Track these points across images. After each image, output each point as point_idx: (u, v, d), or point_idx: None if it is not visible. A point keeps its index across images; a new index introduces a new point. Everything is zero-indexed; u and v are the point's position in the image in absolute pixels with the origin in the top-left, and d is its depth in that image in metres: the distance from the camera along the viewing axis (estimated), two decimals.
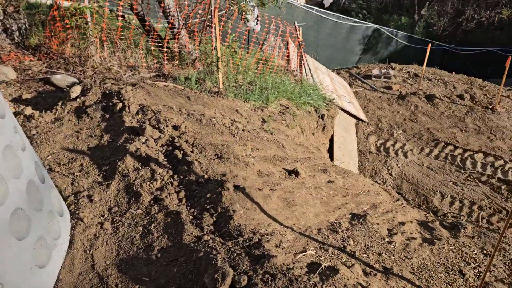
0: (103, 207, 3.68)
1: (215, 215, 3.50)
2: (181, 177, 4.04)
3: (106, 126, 4.96)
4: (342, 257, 3.23)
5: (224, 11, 8.51)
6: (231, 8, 8.12)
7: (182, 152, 4.38)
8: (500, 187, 8.13)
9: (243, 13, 7.91)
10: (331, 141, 8.94)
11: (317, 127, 8.10)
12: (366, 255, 3.41)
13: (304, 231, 3.59)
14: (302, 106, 7.73)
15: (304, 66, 9.49)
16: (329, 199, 4.50)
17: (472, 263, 3.72)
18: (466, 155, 8.99)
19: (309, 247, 3.26)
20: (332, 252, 3.27)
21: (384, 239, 3.76)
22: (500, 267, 3.87)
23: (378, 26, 17.27)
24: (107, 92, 5.59)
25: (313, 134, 7.71)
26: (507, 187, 8.13)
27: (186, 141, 4.63)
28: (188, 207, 3.67)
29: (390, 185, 8.60)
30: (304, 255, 3.09)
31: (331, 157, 8.55)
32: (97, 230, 3.40)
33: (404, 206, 5.56)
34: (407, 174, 8.72)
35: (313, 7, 16.52)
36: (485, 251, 4.13)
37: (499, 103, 10.16)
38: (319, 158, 6.16)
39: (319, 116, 8.21)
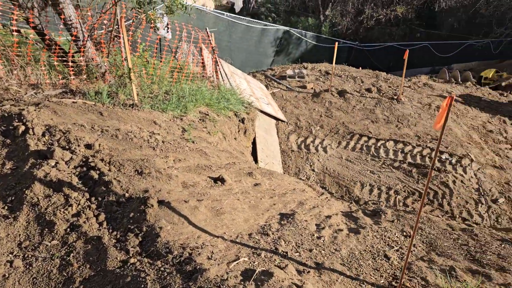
0: (11, 243, 3.30)
1: (140, 235, 3.31)
2: (100, 199, 3.77)
3: (8, 153, 4.48)
4: (275, 260, 3.23)
5: (131, 20, 8.18)
6: (139, 17, 7.84)
7: (98, 172, 4.09)
8: (411, 170, 8.80)
9: (152, 21, 7.67)
10: (254, 143, 9.02)
11: (238, 131, 8.12)
12: (298, 253, 3.45)
13: (235, 239, 3.54)
14: (222, 112, 7.70)
15: (220, 72, 9.48)
16: (257, 202, 4.50)
17: (395, 246, 3.94)
18: (379, 144, 9.60)
19: (241, 254, 3.21)
20: (265, 256, 3.26)
21: (313, 235, 3.85)
22: (419, 246, 4.15)
23: (287, 28, 17.87)
24: (6, 114, 5.06)
25: (235, 138, 7.71)
26: (417, 170, 8.82)
27: (102, 160, 4.34)
28: (110, 230, 3.43)
29: (314, 180, 8.89)
30: (237, 263, 3.03)
31: (256, 159, 8.63)
32: (6, 270, 3.03)
33: (328, 200, 5.76)
34: (329, 168, 9.08)
35: (224, 12, 16.62)
36: (404, 233, 4.41)
37: (403, 93, 11.02)
38: (244, 162, 6.16)
39: (239, 120, 8.24)
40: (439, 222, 5.13)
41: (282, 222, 4.06)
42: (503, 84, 14.74)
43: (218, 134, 6.86)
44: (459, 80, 14.53)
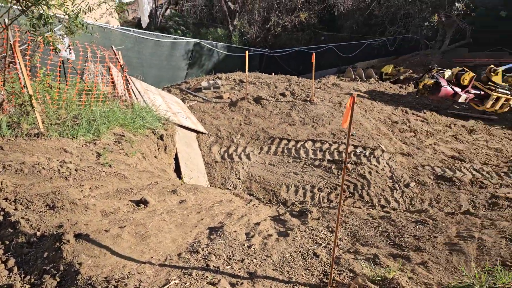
0: None
1: (58, 275, 3.05)
2: (7, 242, 3.41)
3: None
4: (207, 277, 3.16)
5: (27, 44, 7.58)
6: (35, 39, 7.29)
7: (2, 212, 3.70)
8: (331, 167, 9.21)
9: (51, 43, 7.17)
10: (176, 159, 8.83)
11: (158, 149, 7.89)
12: (230, 266, 3.41)
13: (164, 261, 3.40)
14: (138, 131, 7.43)
15: (132, 90, 9.16)
16: (184, 220, 4.39)
17: (322, 243, 4.07)
18: (298, 145, 9.93)
19: (172, 277, 3.10)
20: (196, 275, 3.18)
21: (243, 245, 3.84)
22: (345, 239, 4.33)
23: (198, 40, 17.85)
24: None
25: (155, 157, 7.48)
26: (336, 166, 9.26)
27: (6, 199, 3.94)
28: (23, 275, 3.11)
29: (241, 188, 8.92)
30: (167, 287, 2.92)
31: (180, 175, 8.44)
32: None
33: (256, 206, 5.81)
34: (254, 174, 9.18)
35: (130, 28, 16.13)
36: (330, 229, 4.58)
37: (314, 95, 11.54)
38: (167, 180, 5.99)
39: (158, 138, 8.02)
40: (360, 213, 5.42)
41: (211, 236, 4.00)
42: (402, 77, 16.13)
43: (137, 155, 6.60)
44: (364, 77, 15.61)
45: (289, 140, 10.13)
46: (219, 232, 4.09)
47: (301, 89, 12.34)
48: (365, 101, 11.98)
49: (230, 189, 8.85)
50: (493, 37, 20.30)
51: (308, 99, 11.44)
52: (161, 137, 8.04)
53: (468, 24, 20.29)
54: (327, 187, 8.72)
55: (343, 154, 9.52)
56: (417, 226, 4.62)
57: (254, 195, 8.73)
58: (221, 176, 9.26)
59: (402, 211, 6.32)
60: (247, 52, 10.98)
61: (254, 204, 6.40)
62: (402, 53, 23.94)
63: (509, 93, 12.04)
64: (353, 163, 9.26)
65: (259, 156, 9.77)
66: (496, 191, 8.32)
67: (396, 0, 20.46)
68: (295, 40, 23.82)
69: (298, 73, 19.80)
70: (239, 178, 9.17)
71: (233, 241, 3.90)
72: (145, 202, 4.44)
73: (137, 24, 23.91)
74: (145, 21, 15.72)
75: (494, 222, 4.70)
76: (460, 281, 3.02)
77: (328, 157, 9.55)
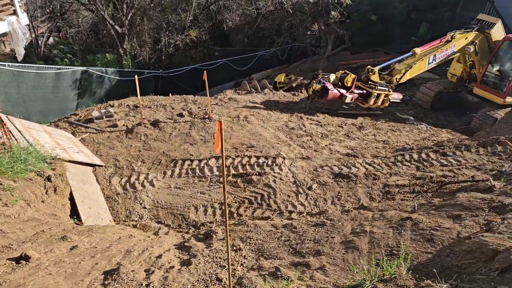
0: None
1: None
2: None
3: None
4: None
5: None
6: None
7: None
8: (237, 181, 9.25)
9: None
10: (72, 198, 8.15)
11: (46, 191, 7.19)
12: None
13: None
14: (19, 176, 6.71)
15: (10, 130, 8.27)
16: (75, 269, 4.00)
17: (226, 265, 4.00)
18: (202, 164, 9.82)
19: None
20: None
21: (141, 284, 3.61)
22: (249, 256, 4.31)
23: (85, 68, 16.90)
24: None
25: (43, 201, 6.80)
26: (242, 179, 9.33)
27: None
28: None
29: (147, 218, 8.52)
30: None
31: (78, 215, 7.80)
32: None
33: (159, 237, 5.56)
34: (160, 201, 8.85)
35: (5, 62, 14.72)
36: (235, 247, 4.53)
37: (212, 112, 11.56)
38: (57, 226, 5.47)
39: (45, 179, 7.31)
40: (264, 225, 5.46)
41: (106, 282, 3.70)
42: (294, 85, 16.95)
43: (19, 203, 5.93)
44: (259, 89, 16.09)
45: (192, 160, 9.97)
46: (115, 275, 3.80)
47: (199, 107, 12.29)
48: (262, 111, 12.32)
49: (136, 221, 8.42)
50: (368, 39, 22.37)
51: (207, 116, 11.42)
52: (49, 178, 7.34)
53: (346, 29, 22.16)
54: (235, 202, 8.72)
55: (247, 166, 9.64)
56: (317, 229, 4.78)
57: (163, 222, 8.40)
58: (125, 208, 8.76)
59: (304, 216, 6.54)
60: (136, 76, 10.62)
61: (158, 235, 6.15)
62: (293, 61, 25.24)
63: (387, 89, 13.28)
64: (257, 174, 9.40)
65: (163, 181, 9.45)
66: (387, 181, 9.03)
67: (279, 13, 21.59)
68: (189, 58, 23.80)
69: (196, 90, 19.75)
70: (144, 208, 8.76)
71: (130, 282, 3.64)
72: (26, 258, 3.96)
73: (14, 56, 21.91)
74: (20, 53, 14.42)
75: (383, 213, 5.05)
76: (353, 280, 3.15)
77: (232, 171, 9.58)
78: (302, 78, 17.72)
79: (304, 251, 4.13)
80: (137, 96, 11.40)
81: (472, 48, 14.01)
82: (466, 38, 13.86)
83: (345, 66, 19.87)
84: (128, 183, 9.38)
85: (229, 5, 22.02)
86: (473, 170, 8.98)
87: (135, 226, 8.13)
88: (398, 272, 3.14)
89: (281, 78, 17.54)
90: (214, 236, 5.08)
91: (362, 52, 23.08)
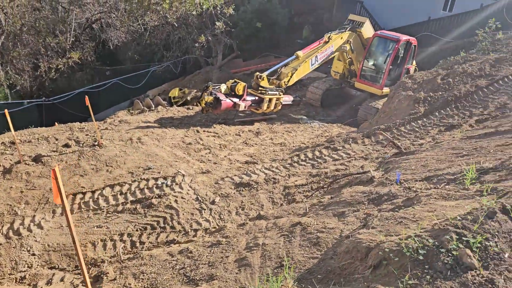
0: None
1: None
2: None
3: None
4: None
5: None
6: None
7: None
8: (136, 207, 8.79)
9: None
10: None
11: None
12: None
13: None
14: None
15: None
16: None
17: None
18: (96, 196, 9.18)
19: None
20: None
21: None
22: None
23: None
24: None
25: None
26: (141, 204, 8.89)
27: None
28: None
29: (38, 265, 7.69)
30: None
31: None
32: None
33: None
34: (51, 243, 8.07)
35: None
36: (125, 287, 4.22)
37: (102, 137, 10.89)
38: None
39: None
40: (161, 254, 5.21)
41: None
42: (189, 98, 16.77)
43: None
44: (153, 106, 15.61)
45: (84, 193, 9.25)
46: None
47: (86, 135, 11.51)
48: (156, 130, 11.92)
49: (24, 271, 7.55)
50: (257, 45, 23.10)
51: (96, 143, 10.72)
52: None
53: (234, 38, 22.63)
54: (136, 230, 8.29)
55: (145, 190, 9.23)
56: (212, 250, 4.67)
57: (57, 267, 7.65)
58: (10, 259, 7.80)
59: (203, 235, 6.40)
60: (6, 110, 9.57)
61: (51, 284, 5.57)
62: (187, 73, 25.06)
63: (277, 93, 13.75)
64: (157, 196, 9.03)
65: (53, 221, 8.62)
66: (286, 183, 9.29)
67: (165, 27, 21.29)
68: (76, 82, 22.32)
69: (88, 116, 18.50)
70: (33, 254, 7.89)
71: None
72: None
73: None
74: None
75: (276, 221, 5.10)
76: None
77: (131, 198, 9.09)
78: (196, 90, 17.62)
79: (197, 278, 3.98)
80: (15, 130, 10.29)
81: (348, 47, 15.15)
82: (341, 38, 14.95)
83: (238, 74, 20.24)
84: (11, 230, 8.39)
85: (112, 23, 21.08)
86: (361, 160, 9.64)
87: (23, 278, 7.29)
88: (285, 285, 3.14)
89: (175, 92, 17.24)
90: (105, 277, 4.70)
91: (253, 59, 23.73)
